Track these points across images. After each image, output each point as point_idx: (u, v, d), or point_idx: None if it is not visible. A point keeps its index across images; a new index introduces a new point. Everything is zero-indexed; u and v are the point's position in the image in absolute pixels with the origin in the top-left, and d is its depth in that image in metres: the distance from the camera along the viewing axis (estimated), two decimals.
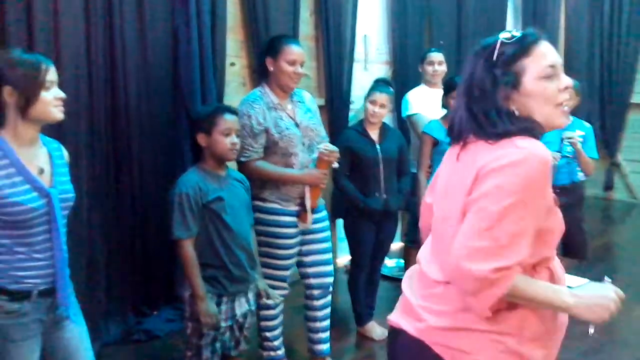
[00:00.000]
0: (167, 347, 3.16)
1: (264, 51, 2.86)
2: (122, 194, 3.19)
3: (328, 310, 2.96)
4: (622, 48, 6.51)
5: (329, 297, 2.96)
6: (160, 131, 3.30)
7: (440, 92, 3.45)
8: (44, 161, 1.77)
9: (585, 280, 4.15)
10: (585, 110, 6.61)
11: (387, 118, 3.60)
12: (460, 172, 1.38)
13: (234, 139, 2.37)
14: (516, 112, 1.36)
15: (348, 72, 4.39)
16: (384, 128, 3.30)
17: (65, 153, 1.91)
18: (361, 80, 4.76)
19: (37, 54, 1.79)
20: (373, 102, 3.23)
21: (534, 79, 1.35)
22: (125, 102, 3.16)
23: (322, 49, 4.26)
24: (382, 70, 4.93)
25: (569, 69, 6.54)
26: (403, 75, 4.70)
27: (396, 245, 4.23)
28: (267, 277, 2.75)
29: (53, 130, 2.77)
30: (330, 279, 2.94)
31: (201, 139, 2.39)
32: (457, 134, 1.43)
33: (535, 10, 6.19)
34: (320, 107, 4.32)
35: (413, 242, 3.79)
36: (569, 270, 4.21)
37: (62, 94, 1.77)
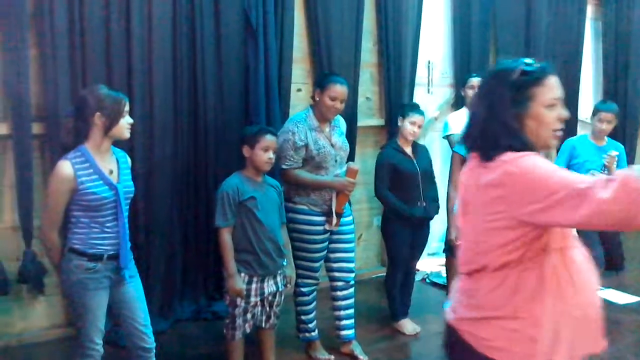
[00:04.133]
0: None
1: (316, 83, 3.39)
2: (199, 196, 3.90)
3: (350, 301, 3.43)
4: None
5: (351, 290, 3.43)
6: (232, 148, 3.93)
7: None
8: (113, 165, 2.48)
9: (636, 297, 4.26)
10: None
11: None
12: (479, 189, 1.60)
13: (270, 154, 2.95)
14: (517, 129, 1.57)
15: (409, 96, 4.83)
16: (415, 145, 3.73)
17: (129, 160, 2.62)
18: (425, 103, 5.16)
19: (116, 90, 2.53)
20: (413, 123, 3.66)
21: (540, 106, 1.58)
22: (205, 124, 3.89)
23: (383, 75, 4.76)
24: (446, 93, 5.30)
25: None
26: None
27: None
28: (300, 268, 3.32)
29: (146, 146, 3.58)
30: (351, 275, 3.42)
31: (246, 151, 3.00)
32: (484, 146, 1.59)
33: (617, 31, 6.15)
34: (380, 127, 4.84)
35: (449, 251, 4.13)
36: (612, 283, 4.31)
37: (131, 120, 2.49)
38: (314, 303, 3.39)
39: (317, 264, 3.33)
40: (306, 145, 3.19)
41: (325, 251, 3.34)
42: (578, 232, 3.81)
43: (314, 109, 3.29)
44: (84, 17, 3.38)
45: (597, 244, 3.71)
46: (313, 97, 3.31)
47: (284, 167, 3.21)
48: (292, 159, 3.20)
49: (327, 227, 3.25)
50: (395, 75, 4.72)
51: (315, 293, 3.38)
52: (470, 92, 4.13)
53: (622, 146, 3.79)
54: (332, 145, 3.27)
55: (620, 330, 3.88)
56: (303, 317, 3.38)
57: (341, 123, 3.46)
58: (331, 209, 3.23)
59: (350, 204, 3.44)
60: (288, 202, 3.25)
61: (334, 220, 3.23)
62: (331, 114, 3.25)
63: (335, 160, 3.27)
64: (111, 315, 2.67)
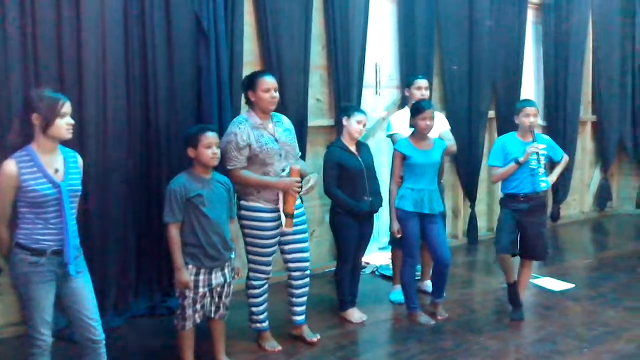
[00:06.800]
0: None
1: (243, 86, 3.51)
2: (151, 194, 4.00)
3: (305, 290, 3.63)
4: None
5: (306, 280, 3.63)
6: (184, 148, 4.04)
7: None
8: (59, 164, 2.58)
9: (571, 285, 4.55)
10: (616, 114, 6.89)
11: None
12: None
13: (214, 149, 3.09)
14: None
15: (357, 97, 5.03)
16: (358, 143, 3.94)
17: (80, 160, 2.72)
18: (373, 103, 5.39)
19: (58, 93, 2.62)
20: (359, 122, 3.87)
21: None
22: (157, 126, 3.99)
23: (332, 77, 4.95)
24: (393, 94, 5.52)
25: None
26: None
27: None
28: (252, 262, 3.48)
29: (99, 146, 3.67)
30: (306, 264, 3.60)
31: (190, 152, 3.13)
32: None
33: (556, 34, 6.48)
34: (329, 127, 5.02)
35: (393, 243, 4.35)
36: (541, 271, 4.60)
37: (71, 121, 2.58)
38: (265, 296, 3.55)
39: (268, 259, 3.48)
40: (249, 145, 3.34)
41: (276, 246, 3.50)
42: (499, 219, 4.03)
43: (253, 109, 3.45)
44: (36, 20, 3.46)
45: (508, 233, 3.92)
46: (248, 101, 3.47)
47: (229, 167, 3.35)
48: (236, 160, 3.34)
49: (282, 229, 3.39)
50: (344, 77, 4.92)
51: (266, 287, 3.54)
52: (417, 93, 4.31)
53: (549, 138, 4.09)
54: (276, 141, 3.43)
55: (552, 315, 4.15)
56: (254, 309, 3.54)
57: (284, 120, 3.61)
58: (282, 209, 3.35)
59: (301, 198, 3.57)
60: (240, 200, 3.42)
61: (284, 221, 3.35)
62: (272, 105, 3.42)
63: (280, 155, 3.42)
64: (63, 311, 2.77)
